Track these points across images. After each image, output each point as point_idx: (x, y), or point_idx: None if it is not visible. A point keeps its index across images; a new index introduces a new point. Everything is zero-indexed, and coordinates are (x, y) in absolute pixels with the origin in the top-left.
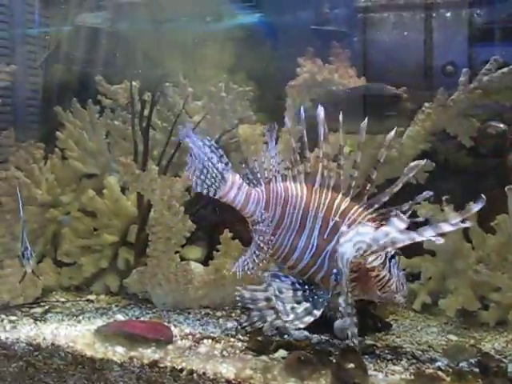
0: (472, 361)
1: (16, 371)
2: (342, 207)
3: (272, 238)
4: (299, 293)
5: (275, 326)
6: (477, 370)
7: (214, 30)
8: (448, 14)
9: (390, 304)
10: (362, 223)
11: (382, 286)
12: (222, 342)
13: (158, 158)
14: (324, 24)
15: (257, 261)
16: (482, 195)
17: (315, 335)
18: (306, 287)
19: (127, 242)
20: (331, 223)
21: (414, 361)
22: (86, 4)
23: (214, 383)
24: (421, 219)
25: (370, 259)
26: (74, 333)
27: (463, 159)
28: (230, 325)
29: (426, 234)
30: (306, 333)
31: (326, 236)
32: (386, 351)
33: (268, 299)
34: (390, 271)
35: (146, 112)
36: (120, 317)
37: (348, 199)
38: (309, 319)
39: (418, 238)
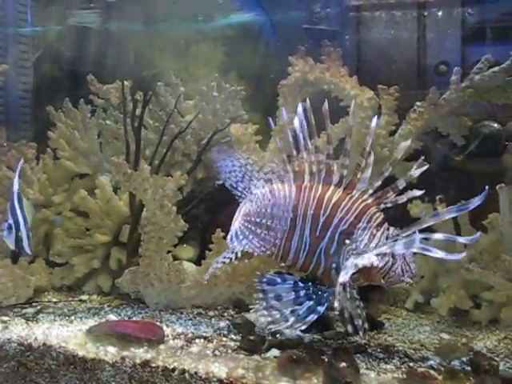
0: (464, 359)
1: (7, 371)
2: (334, 199)
3: (261, 242)
4: (302, 292)
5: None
6: (469, 368)
7: (206, 28)
8: (440, 13)
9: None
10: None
11: (386, 273)
12: (214, 341)
13: (150, 157)
14: (316, 23)
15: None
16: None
17: (307, 334)
18: (310, 283)
19: (119, 242)
20: (322, 220)
21: (406, 359)
22: (78, 4)
23: (206, 383)
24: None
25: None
26: (66, 333)
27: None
28: (222, 324)
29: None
30: (299, 332)
31: (317, 233)
32: (379, 350)
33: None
34: (392, 256)
35: (138, 111)
36: (112, 317)
37: (341, 189)
38: (312, 318)
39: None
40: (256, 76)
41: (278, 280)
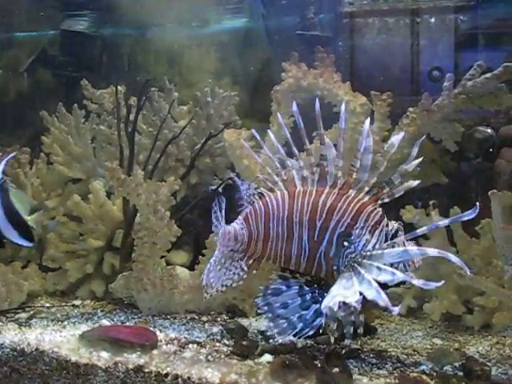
0: (456, 364)
1: (0, 377)
2: (329, 203)
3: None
4: (308, 296)
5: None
6: (461, 373)
7: (200, 34)
8: (433, 20)
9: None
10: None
11: None
12: (208, 346)
13: (143, 162)
14: (309, 29)
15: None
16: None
17: (300, 340)
18: (315, 286)
19: (113, 247)
20: (318, 224)
21: (399, 365)
22: (72, 8)
23: None
24: None
25: None
26: (59, 338)
27: (449, 164)
28: (215, 329)
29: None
30: (291, 337)
31: (315, 238)
32: (371, 355)
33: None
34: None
35: (131, 117)
36: (105, 322)
37: (336, 191)
38: (319, 321)
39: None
40: (250, 82)
41: (283, 288)
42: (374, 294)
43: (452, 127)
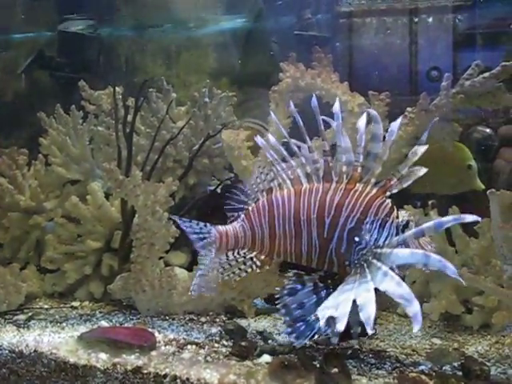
0: (455, 364)
1: None
2: (337, 199)
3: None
4: (323, 293)
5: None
6: (460, 373)
7: (198, 35)
8: (430, 20)
9: None
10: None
11: None
12: (206, 347)
13: (141, 163)
14: (307, 29)
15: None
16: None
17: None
18: (329, 281)
19: (111, 248)
20: (327, 222)
21: (398, 365)
22: (70, 9)
23: None
24: None
25: None
26: (57, 340)
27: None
28: (214, 330)
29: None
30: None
31: (325, 235)
32: (370, 355)
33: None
34: (404, 243)
35: (129, 118)
36: (104, 323)
37: (343, 186)
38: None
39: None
40: (247, 82)
41: (298, 286)
42: (365, 302)
43: (450, 127)
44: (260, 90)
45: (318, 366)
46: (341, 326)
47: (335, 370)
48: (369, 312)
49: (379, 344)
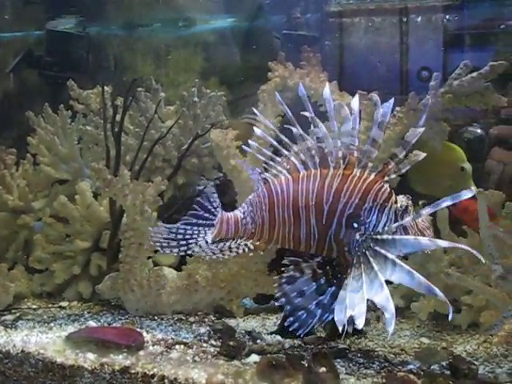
0: (443, 363)
1: None
2: (335, 185)
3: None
4: (322, 280)
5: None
6: (448, 372)
7: (187, 34)
8: (419, 19)
9: None
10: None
11: None
12: (194, 347)
13: (130, 163)
14: (296, 28)
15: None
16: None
17: (288, 340)
18: (328, 268)
19: (100, 248)
20: (326, 208)
21: (386, 364)
22: (58, 8)
23: None
24: None
25: None
26: (45, 340)
27: None
28: (202, 330)
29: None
30: (279, 338)
31: (324, 222)
32: (359, 355)
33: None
34: (404, 228)
35: (118, 117)
36: (92, 323)
37: (340, 172)
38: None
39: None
40: (237, 81)
41: (297, 274)
42: (383, 301)
43: (439, 126)
44: (256, 86)
45: (306, 365)
46: (361, 323)
47: (323, 369)
48: (390, 309)
49: (368, 343)
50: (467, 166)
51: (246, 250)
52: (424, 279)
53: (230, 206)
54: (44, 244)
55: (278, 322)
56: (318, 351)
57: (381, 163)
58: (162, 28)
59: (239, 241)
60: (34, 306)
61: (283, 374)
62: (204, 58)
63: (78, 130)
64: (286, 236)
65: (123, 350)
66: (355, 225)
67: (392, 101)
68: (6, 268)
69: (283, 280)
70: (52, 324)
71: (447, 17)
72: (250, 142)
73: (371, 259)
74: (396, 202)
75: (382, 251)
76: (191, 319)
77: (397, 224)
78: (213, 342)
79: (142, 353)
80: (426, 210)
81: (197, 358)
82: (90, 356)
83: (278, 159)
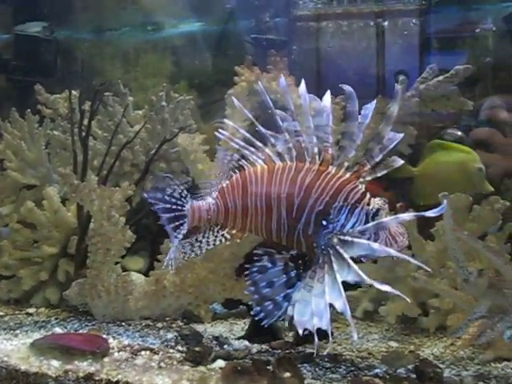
0: (410, 367)
1: None
2: (308, 180)
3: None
4: (292, 273)
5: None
6: (414, 376)
7: (155, 38)
8: (386, 23)
9: None
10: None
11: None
12: (160, 353)
13: (98, 168)
14: (265, 32)
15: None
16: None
17: (255, 345)
18: (300, 262)
19: (67, 254)
20: (296, 202)
21: (353, 368)
22: (26, 12)
23: None
24: None
25: None
26: (10, 347)
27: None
28: (170, 336)
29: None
30: (246, 343)
31: (294, 215)
32: (326, 359)
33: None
34: (375, 232)
35: (86, 122)
36: (58, 330)
37: (315, 167)
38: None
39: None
40: (207, 86)
41: (269, 265)
42: (342, 307)
43: (405, 130)
44: (224, 91)
45: (271, 370)
46: (326, 326)
47: (287, 374)
48: (349, 315)
49: (336, 348)
50: (483, 167)
51: (223, 240)
52: (367, 277)
53: None
54: (11, 250)
55: (246, 326)
56: (282, 356)
57: (358, 165)
58: (130, 32)
59: (215, 230)
60: (1, 313)
61: (248, 380)
62: (173, 62)
63: (46, 134)
64: (259, 225)
65: (88, 356)
66: (324, 222)
67: (374, 102)
68: None
69: (254, 269)
70: (18, 331)
71: (413, 21)
72: (221, 131)
73: (333, 259)
74: (369, 204)
75: (341, 251)
76: (159, 325)
77: (360, 227)
78: (179, 347)
79: (106, 359)
80: (391, 219)
81: (162, 364)
82: (55, 363)
83: (253, 149)
